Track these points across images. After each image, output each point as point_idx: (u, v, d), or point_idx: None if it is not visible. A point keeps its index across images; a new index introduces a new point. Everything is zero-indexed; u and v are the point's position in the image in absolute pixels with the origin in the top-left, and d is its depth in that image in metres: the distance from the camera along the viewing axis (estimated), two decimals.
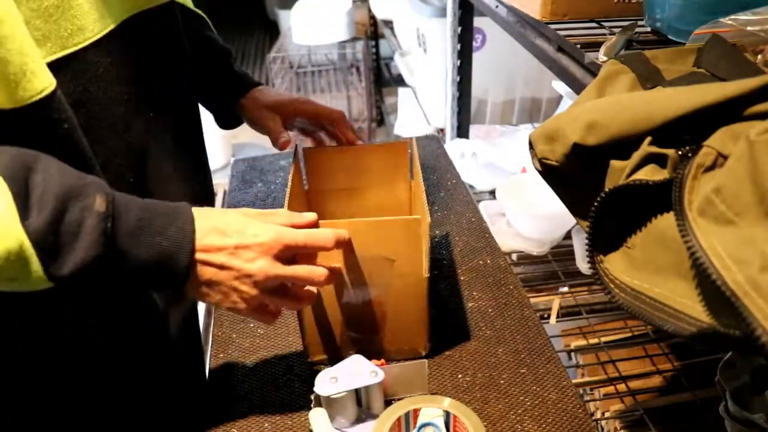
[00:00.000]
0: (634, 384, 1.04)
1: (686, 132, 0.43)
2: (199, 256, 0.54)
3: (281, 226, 0.58)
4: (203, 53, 0.84)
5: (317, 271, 0.59)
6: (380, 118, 3.42)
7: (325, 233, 0.61)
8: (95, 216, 0.48)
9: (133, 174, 0.61)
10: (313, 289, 0.63)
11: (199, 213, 0.55)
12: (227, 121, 0.88)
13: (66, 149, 0.50)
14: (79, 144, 0.53)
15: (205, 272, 0.54)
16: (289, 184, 0.72)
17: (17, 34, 0.46)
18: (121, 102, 0.60)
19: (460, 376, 0.72)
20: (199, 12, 0.86)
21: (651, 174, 0.44)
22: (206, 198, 0.78)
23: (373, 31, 3.28)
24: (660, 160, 0.44)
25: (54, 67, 0.51)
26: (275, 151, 0.85)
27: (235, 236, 0.55)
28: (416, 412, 0.62)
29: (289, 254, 0.58)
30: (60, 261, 0.47)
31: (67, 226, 0.47)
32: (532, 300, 1.16)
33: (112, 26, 0.58)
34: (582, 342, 1.15)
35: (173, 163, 0.68)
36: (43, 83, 0.49)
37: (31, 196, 0.46)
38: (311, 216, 0.62)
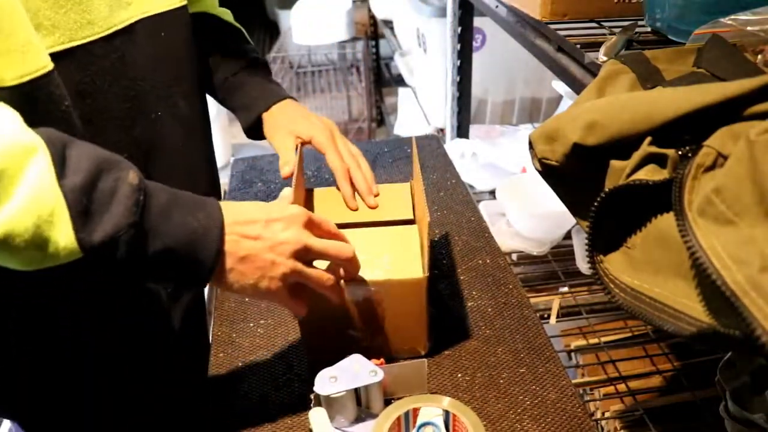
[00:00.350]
0: (634, 384, 1.04)
1: (686, 132, 0.43)
2: (232, 229, 0.54)
3: (293, 204, 0.60)
4: (234, 65, 0.84)
5: (347, 247, 0.60)
6: (380, 118, 3.42)
7: (330, 223, 0.62)
8: (128, 186, 0.48)
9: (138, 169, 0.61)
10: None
11: (224, 203, 0.56)
12: (254, 133, 0.86)
13: (63, 131, 0.50)
14: (75, 127, 0.54)
15: (241, 247, 0.54)
16: (294, 181, 0.72)
17: (18, 10, 0.47)
18: (127, 98, 0.61)
19: (459, 375, 0.72)
20: (237, 25, 0.87)
21: (651, 174, 0.44)
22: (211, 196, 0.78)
23: (373, 31, 3.28)
24: (660, 160, 0.44)
25: (61, 56, 0.52)
26: (275, 150, 0.84)
27: (263, 213, 0.56)
28: (416, 411, 0.62)
29: (313, 228, 0.58)
30: (91, 226, 0.46)
31: (100, 192, 0.47)
32: (532, 300, 1.16)
33: (123, 24, 0.60)
34: (582, 342, 1.15)
35: (179, 161, 0.68)
36: (43, 61, 0.50)
37: (67, 162, 0.46)
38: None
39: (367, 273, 0.66)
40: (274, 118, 0.83)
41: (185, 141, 0.70)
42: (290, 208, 0.57)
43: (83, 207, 0.45)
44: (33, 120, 0.47)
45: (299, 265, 0.56)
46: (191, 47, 0.73)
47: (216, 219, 0.53)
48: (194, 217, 0.52)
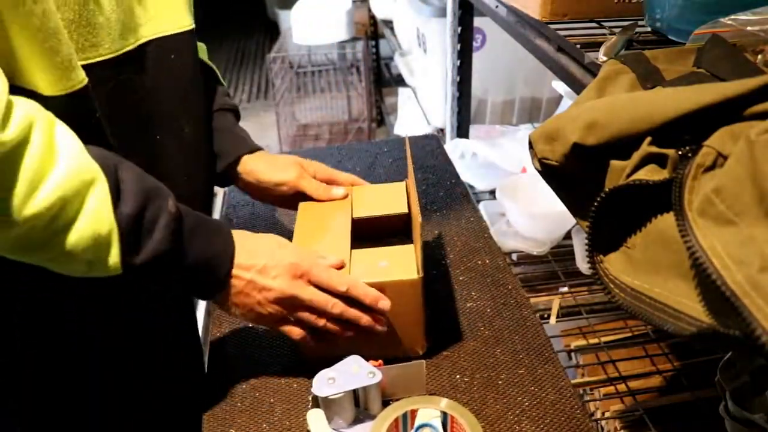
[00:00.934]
0: (634, 384, 1.04)
1: (686, 132, 0.43)
2: (233, 271, 0.61)
3: (306, 253, 0.65)
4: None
5: (331, 302, 0.64)
6: (380, 118, 3.42)
7: (342, 280, 0.65)
8: (168, 215, 0.54)
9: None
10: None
11: (236, 233, 0.62)
12: (219, 181, 0.85)
13: (95, 140, 0.53)
14: (105, 137, 0.56)
15: (236, 284, 0.62)
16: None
17: (61, 29, 0.50)
18: (132, 120, 0.61)
19: (458, 376, 0.72)
20: (210, 64, 0.85)
21: (651, 174, 0.43)
22: None
23: (373, 31, 3.28)
24: (660, 160, 0.44)
25: None
26: (275, 150, 0.84)
27: (265, 257, 0.62)
28: (414, 412, 0.61)
29: (308, 279, 0.64)
30: (136, 250, 0.52)
31: (146, 220, 0.53)
32: (532, 300, 1.16)
33: (131, 46, 0.60)
34: (582, 342, 1.15)
35: (177, 186, 0.67)
36: (81, 75, 0.52)
37: (120, 189, 0.51)
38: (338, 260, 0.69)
39: (365, 277, 0.67)
40: (258, 166, 0.82)
41: (186, 167, 0.70)
42: (289, 257, 0.63)
43: (132, 234, 0.51)
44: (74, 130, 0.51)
45: (283, 312, 0.64)
46: (198, 72, 0.72)
47: (229, 246, 0.61)
48: (212, 243, 0.59)
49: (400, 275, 0.68)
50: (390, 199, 0.83)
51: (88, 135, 0.52)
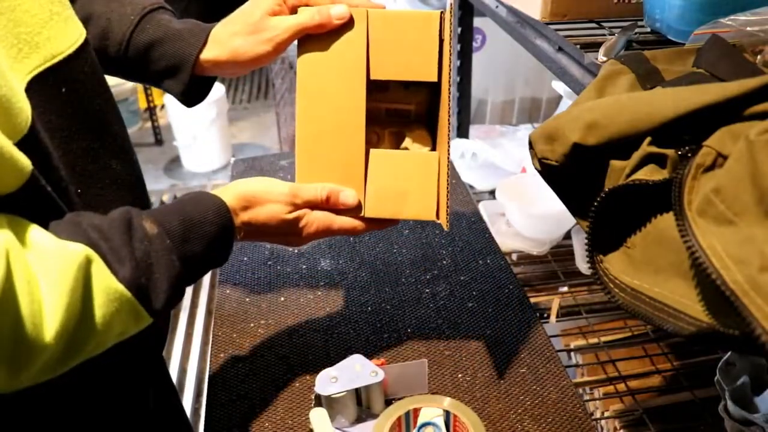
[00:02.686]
0: (634, 384, 1.04)
1: (686, 132, 0.43)
2: (240, 233, 0.59)
3: (295, 189, 0.62)
4: (125, 24, 0.65)
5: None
6: None
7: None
8: (154, 240, 0.49)
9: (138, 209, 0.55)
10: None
11: (223, 191, 0.58)
12: (196, 93, 0.69)
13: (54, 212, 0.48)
14: (61, 207, 0.49)
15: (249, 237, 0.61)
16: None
17: None
18: (45, 177, 0.49)
19: (460, 375, 0.72)
20: None
21: (651, 174, 0.44)
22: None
23: None
24: (660, 160, 0.44)
25: None
26: (275, 151, 0.83)
27: (261, 211, 0.60)
28: (416, 411, 0.62)
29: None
30: (153, 298, 0.48)
31: (142, 263, 0.48)
32: (532, 300, 1.16)
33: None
34: (582, 342, 1.15)
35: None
36: (24, 163, 0.43)
37: (106, 253, 0.46)
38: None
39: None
40: (223, 38, 0.66)
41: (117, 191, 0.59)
42: (279, 206, 0.61)
43: (141, 287, 0.47)
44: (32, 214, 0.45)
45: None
46: (106, 90, 0.58)
47: (225, 216, 0.56)
48: (208, 222, 0.55)
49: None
50: (416, 50, 0.64)
51: (47, 211, 0.46)
